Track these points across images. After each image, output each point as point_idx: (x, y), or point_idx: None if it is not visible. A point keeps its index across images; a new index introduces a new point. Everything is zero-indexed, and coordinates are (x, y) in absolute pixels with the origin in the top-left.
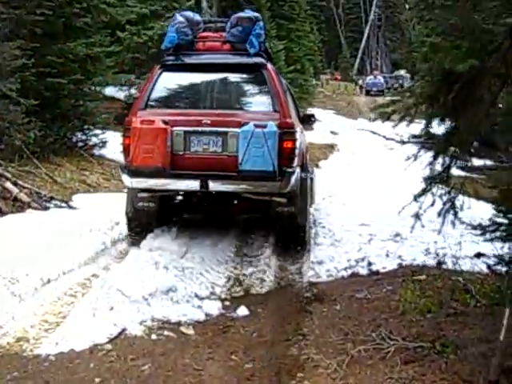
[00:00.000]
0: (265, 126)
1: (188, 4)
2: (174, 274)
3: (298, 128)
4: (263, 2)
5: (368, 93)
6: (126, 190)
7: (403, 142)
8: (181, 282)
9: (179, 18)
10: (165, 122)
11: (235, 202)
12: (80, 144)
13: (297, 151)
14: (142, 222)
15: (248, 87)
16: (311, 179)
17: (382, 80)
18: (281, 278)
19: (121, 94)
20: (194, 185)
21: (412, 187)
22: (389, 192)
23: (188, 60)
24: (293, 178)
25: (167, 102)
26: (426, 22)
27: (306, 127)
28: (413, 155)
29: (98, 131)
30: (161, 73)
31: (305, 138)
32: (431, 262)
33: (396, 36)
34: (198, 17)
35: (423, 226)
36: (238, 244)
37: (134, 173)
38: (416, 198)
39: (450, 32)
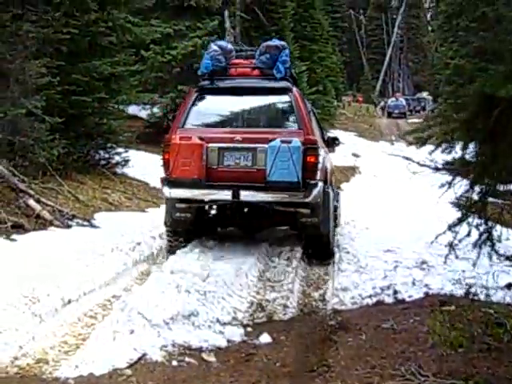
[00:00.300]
0: (290, 142)
1: (211, 24)
2: (195, 297)
3: (322, 147)
4: (286, 22)
5: (390, 115)
6: (163, 202)
7: (437, 169)
8: (202, 307)
9: (214, 46)
10: (201, 139)
11: (264, 215)
12: (102, 162)
13: (319, 166)
14: (180, 231)
15: (275, 108)
16: (336, 200)
17: (404, 102)
18: (304, 304)
19: (143, 113)
20: (226, 195)
21: (439, 212)
22: (414, 217)
23: (221, 84)
24: (315, 190)
25: (203, 121)
26: (450, 44)
27: (330, 149)
28: (447, 182)
29: (120, 149)
30: (197, 96)
31: (330, 159)
32: (460, 291)
33: (418, 58)
34: (230, 46)
35: (457, 257)
36: (261, 268)
37: (173, 184)
38: (451, 227)
39: (474, 54)
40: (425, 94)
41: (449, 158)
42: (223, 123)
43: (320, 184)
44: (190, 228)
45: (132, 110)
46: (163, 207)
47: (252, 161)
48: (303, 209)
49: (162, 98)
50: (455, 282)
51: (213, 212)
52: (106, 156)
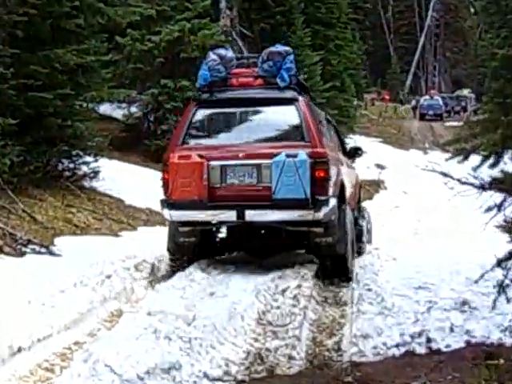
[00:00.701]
0: (296, 156)
1: (203, 4)
2: (178, 346)
3: (336, 159)
4: (295, 3)
5: (423, 117)
6: (166, 224)
7: (483, 188)
8: (186, 357)
9: (212, 55)
10: (201, 157)
11: (275, 236)
12: (66, 174)
13: (331, 180)
14: (184, 257)
15: (280, 120)
16: (363, 218)
17: (441, 101)
18: (314, 355)
19: (118, 113)
20: (230, 216)
21: (484, 241)
22: (453, 246)
23: (222, 96)
24: (327, 206)
25: (203, 137)
26: (497, 29)
27: (351, 161)
28: (496, 205)
29: (89, 158)
30: (196, 109)
31: (352, 172)
32: (510, 340)
33: (458, 47)
34: (230, 53)
35: (509, 301)
36: (261, 308)
37: (173, 206)
38: (500, 262)
39: None
40: (466, 92)
41: (498, 174)
42: (225, 138)
43: (333, 200)
44: (194, 254)
45: (104, 109)
46: (141, 230)
47: (257, 178)
48: (316, 228)
49: (142, 94)
50: (505, 328)
51: (220, 235)
52: (71, 166)
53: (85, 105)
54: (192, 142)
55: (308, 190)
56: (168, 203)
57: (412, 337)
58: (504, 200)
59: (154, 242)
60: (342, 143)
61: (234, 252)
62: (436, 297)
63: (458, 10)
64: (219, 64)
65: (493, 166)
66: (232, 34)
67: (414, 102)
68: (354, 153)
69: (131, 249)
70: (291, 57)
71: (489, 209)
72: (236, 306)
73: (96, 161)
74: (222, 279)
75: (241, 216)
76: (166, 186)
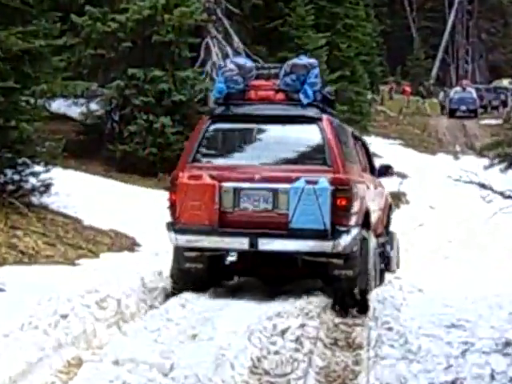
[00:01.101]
0: (316, 182)
1: None
2: None
3: (360, 182)
4: None
5: (453, 113)
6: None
7: None
8: None
9: (230, 65)
10: (213, 178)
11: (290, 264)
12: (10, 188)
13: (354, 209)
14: (188, 283)
15: (301, 141)
16: (396, 245)
17: (475, 94)
18: None
19: (75, 111)
20: (243, 244)
21: None
22: (492, 274)
23: (238, 111)
24: (347, 238)
25: (216, 155)
26: None
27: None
28: None
29: (38, 168)
30: (209, 124)
31: (381, 193)
32: None
33: (495, 27)
34: (250, 62)
35: None
36: (255, 354)
37: (180, 230)
38: None
39: None
40: (506, 82)
41: None
42: (240, 158)
43: (355, 230)
44: (201, 281)
45: (57, 106)
46: (104, 257)
47: (273, 204)
48: (335, 259)
49: (104, 87)
50: None
51: (230, 258)
52: (16, 178)
53: (33, 101)
54: (203, 161)
55: (328, 220)
56: (174, 227)
57: None
58: None
59: (120, 272)
60: (371, 161)
61: (243, 276)
62: (472, 337)
63: None
64: (237, 74)
65: None
66: (216, 12)
67: (441, 96)
68: (384, 172)
69: (92, 281)
70: (316, 70)
71: None
72: (224, 352)
73: (47, 171)
74: (207, 318)
75: (254, 244)
76: (173, 207)
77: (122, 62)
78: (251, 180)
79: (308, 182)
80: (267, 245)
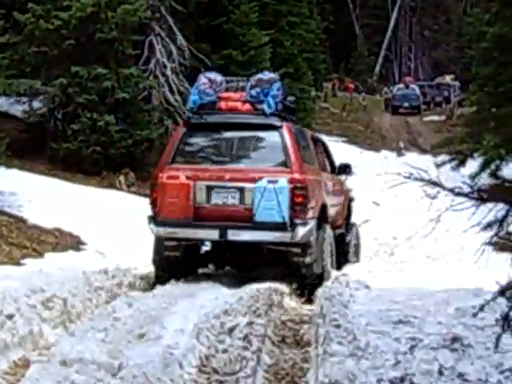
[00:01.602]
0: (276, 182)
1: None
2: None
3: (316, 182)
4: None
5: (396, 110)
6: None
7: (482, 200)
8: None
9: (203, 79)
10: (188, 177)
11: (257, 253)
12: None
13: (309, 205)
14: (168, 269)
15: (264, 145)
16: (355, 233)
17: (418, 90)
18: None
19: (17, 109)
20: (214, 234)
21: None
22: (439, 269)
23: (210, 119)
24: (304, 229)
25: (191, 158)
26: (487, 2)
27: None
28: (497, 220)
29: None
30: (185, 131)
31: (341, 188)
32: None
33: (438, 24)
34: (220, 77)
35: None
36: (203, 352)
37: (160, 223)
38: (504, 291)
39: None
40: (448, 79)
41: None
42: (211, 160)
43: (311, 222)
44: (178, 267)
45: None
46: (49, 256)
47: (239, 200)
48: (293, 248)
49: (47, 85)
50: (505, 369)
51: (205, 248)
52: None
53: None
54: (180, 162)
55: (286, 214)
56: (155, 220)
57: (392, 383)
58: (506, 215)
59: (66, 271)
60: (331, 160)
61: (217, 264)
62: (420, 333)
63: None
64: (209, 87)
65: (494, 173)
66: (160, 10)
67: (386, 92)
68: (343, 171)
69: (37, 281)
70: (278, 84)
71: (488, 225)
72: (172, 351)
73: None
74: (155, 316)
75: (223, 235)
76: (153, 203)
77: (66, 59)
78: (221, 179)
79: (269, 182)
80: (235, 235)
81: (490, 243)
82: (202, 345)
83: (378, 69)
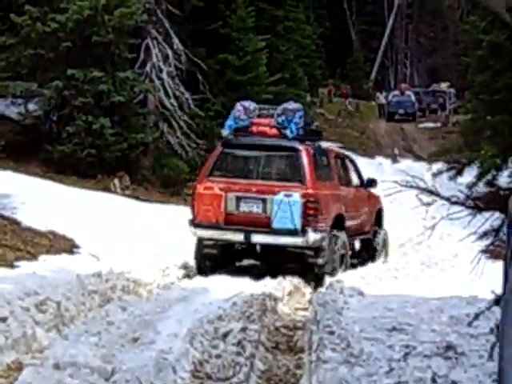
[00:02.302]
0: (291, 196)
1: None
2: None
3: (331, 196)
4: None
5: (391, 116)
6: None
7: (479, 209)
8: None
9: (239, 106)
10: (221, 189)
11: (280, 253)
12: None
13: (321, 215)
14: (208, 265)
15: (285, 164)
16: (379, 243)
17: (413, 97)
18: None
19: (13, 111)
20: (240, 237)
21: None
22: (431, 275)
23: (243, 141)
24: (314, 235)
25: (225, 172)
26: (483, 10)
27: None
28: (493, 230)
29: None
30: (222, 150)
31: (368, 199)
32: None
33: (435, 31)
34: (254, 105)
35: None
36: (196, 357)
37: (197, 225)
38: (499, 300)
39: None
40: (444, 86)
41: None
42: (241, 175)
43: (323, 230)
44: (216, 262)
45: None
46: (43, 259)
47: (262, 209)
48: (308, 250)
49: (43, 88)
50: (499, 378)
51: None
52: None
53: None
54: (216, 176)
55: (298, 223)
56: (194, 223)
57: None
58: (503, 223)
59: (59, 274)
60: (359, 175)
61: (247, 260)
62: (414, 340)
63: None
64: (243, 114)
65: (491, 183)
66: (157, 13)
67: (381, 98)
68: (370, 184)
69: (31, 284)
70: (300, 113)
71: (485, 234)
72: (166, 356)
73: None
74: (148, 321)
75: (247, 237)
76: (193, 209)
77: (62, 62)
78: (248, 191)
79: (285, 195)
80: (256, 238)
81: (484, 251)
82: (195, 350)
83: (373, 75)
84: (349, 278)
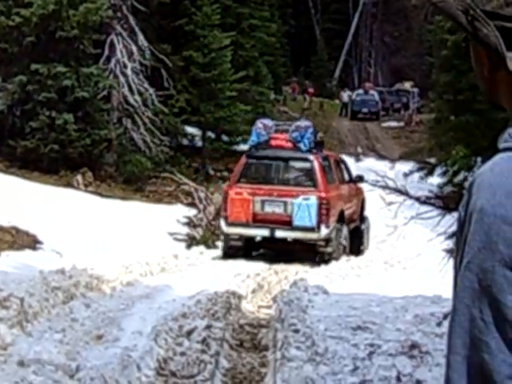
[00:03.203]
0: (308, 199)
1: None
2: None
3: (337, 195)
4: None
5: (355, 115)
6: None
7: (449, 209)
8: None
9: (259, 124)
10: (248, 193)
11: (296, 244)
12: None
13: (331, 213)
14: (233, 254)
15: (300, 172)
16: (365, 228)
17: (377, 96)
18: None
19: None
20: (266, 232)
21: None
22: (395, 274)
23: (264, 153)
24: (327, 230)
25: (250, 179)
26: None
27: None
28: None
29: None
30: (246, 160)
31: (356, 191)
32: None
33: (399, 30)
34: (272, 122)
35: None
36: (161, 355)
37: (230, 224)
38: None
39: None
40: (408, 85)
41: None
42: (264, 182)
43: (332, 225)
44: (240, 252)
45: None
46: (6, 255)
47: (283, 209)
48: (320, 242)
49: (6, 82)
50: None
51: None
52: None
53: None
54: (243, 182)
55: (314, 221)
56: (226, 222)
57: None
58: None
59: (23, 270)
60: (349, 173)
61: (267, 250)
62: (379, 339)
63: None
64: (263, 130)
65: (461, 184)
66: (122, 9)
67: (345, 97)
68: (358, 180)
69: None
70: (311, 129)
71: (454, 234)
72: (130, 353)
73: None
74: (112, 318)
75: (272, 233)
76: (225, 211)
77: (26, 57)
78: (271, 195)
79: (304, 199)
80: (279, 233)
81: (449, 251)
82: (159, 347)
83: (337, 73)
84: (313, 276)
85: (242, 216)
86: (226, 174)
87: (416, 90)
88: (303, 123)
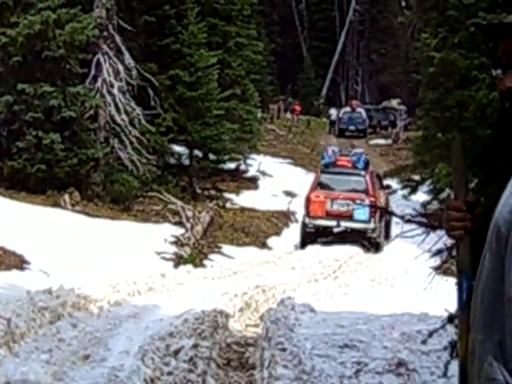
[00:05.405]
0: (364, 201)
1: None
2: None
3: (380, 198)
4: None
5: (342, 133)
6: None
7: (433, 227)
8: None
9: (330, 150)
10: (323, 197)
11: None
12: None
13: (376, 211)
14: (308, 239)
15: (358, 183)
16: (390, 220)
17: (364, 114)
18: None
19: None
20: (334, 223)
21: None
22: (382, 291)
23: (332, 170)
24: (374, 222)
25: (324, 187)
26: (435, 28)
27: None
28: (446, 248)
29: None
30: (321, 174)
31: (385, 194)
32: None
33: (386, 48)
34: (337, 149)
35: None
36: (148, 375)
37: (310, 217)
38: (453, 318)
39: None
40: (395, 103)
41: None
42: (333, 189)
43: (377, 218)
44: (313, 237)
45: None
46: None
47: (346, 208)
48: (369, 230)
49: None
50: None
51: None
52: None
53: None
54: (319, 189)
55: (368, 216)
56: (308, 215)
57: None
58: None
59: (9, 291)
60: (381, 181)
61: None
62: (366, 357)
63: (386, 3)
64: (332, 154)
65: (445, 200)
66: (108, 28)
67: (333, 115)
68: (387, 187)
69: None
70: (363, 155)
71: (438, 252)
72: (117, 373)
73: None
74: (99, 338)
75: (338, 224)
76: (307, 208)
77: (12, 76)
78: (338, 198)
79: (361, 201)
80: (343, 224)
81: (436, 268)
82: (147, 367)
83: (324, 91)
84: (300, 294)
85: (318, 211)
86: (213, 192)
87: (403, 107)
88: (358, 150)
